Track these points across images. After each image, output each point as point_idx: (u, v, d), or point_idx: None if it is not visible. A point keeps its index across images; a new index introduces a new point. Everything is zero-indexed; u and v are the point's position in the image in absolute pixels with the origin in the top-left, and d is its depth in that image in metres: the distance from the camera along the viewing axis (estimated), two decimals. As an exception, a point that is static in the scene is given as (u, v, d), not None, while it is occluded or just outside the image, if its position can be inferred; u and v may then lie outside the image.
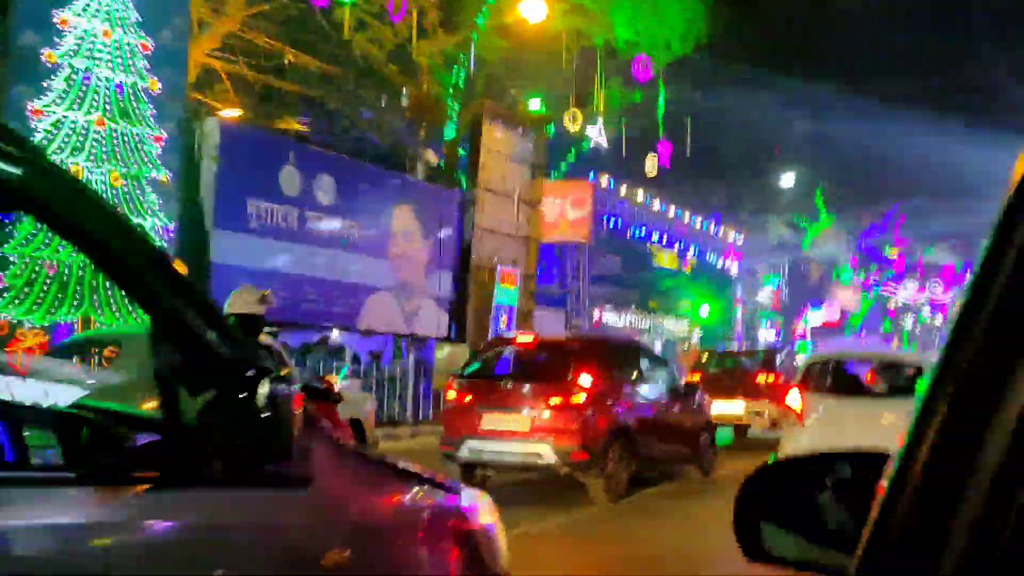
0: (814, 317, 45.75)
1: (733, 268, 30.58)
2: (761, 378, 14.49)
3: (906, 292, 51.65)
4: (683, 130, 21.69)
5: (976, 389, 0.51)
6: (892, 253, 50.54)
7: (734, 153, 28.78)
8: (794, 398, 9.00)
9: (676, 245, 26.26)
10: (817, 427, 8.56)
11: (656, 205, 23.95)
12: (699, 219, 27.40)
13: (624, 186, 22.31)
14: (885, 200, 40.89)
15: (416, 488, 1.93)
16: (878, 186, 40.46)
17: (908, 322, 60.77)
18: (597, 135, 19.72)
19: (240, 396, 1.43)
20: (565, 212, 20.62)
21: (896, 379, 9.61)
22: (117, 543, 1.41)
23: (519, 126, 19.60)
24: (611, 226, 22.35)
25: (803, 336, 44.11)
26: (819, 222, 40.79)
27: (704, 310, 32.82)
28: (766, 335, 38.13)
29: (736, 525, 1.18)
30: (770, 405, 13.47)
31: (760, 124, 27.61)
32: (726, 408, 13.31)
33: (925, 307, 59.47)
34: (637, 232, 23.68)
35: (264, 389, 1.45)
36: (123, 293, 1.86)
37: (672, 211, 25.16)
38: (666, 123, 21.87)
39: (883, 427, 7.96)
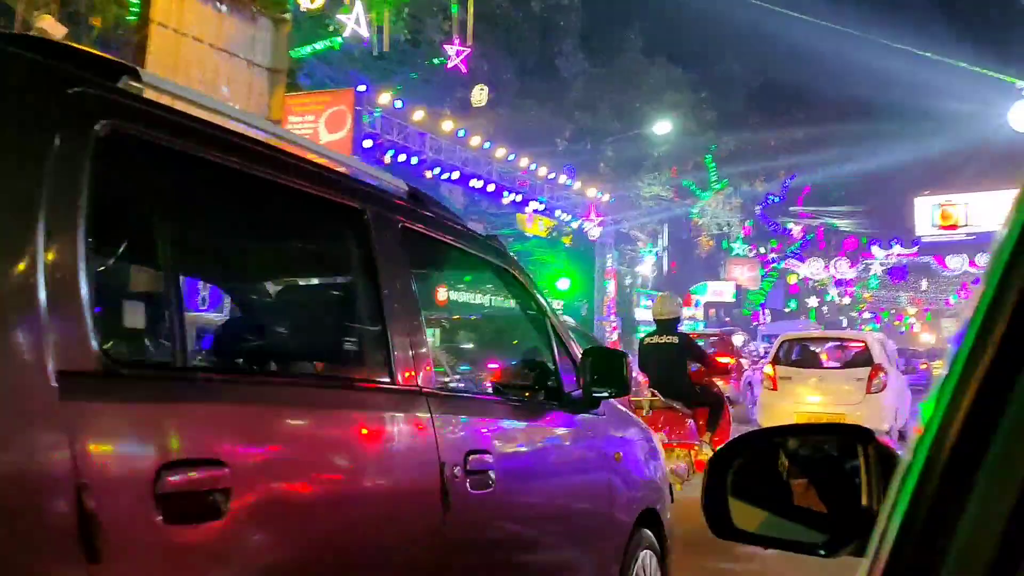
0: (707, 294, 41.06)
1: (593, 231, 25.17)
2: (720, 359, 14.46)
3: (810, 269, 47.00)
4: (518, 39, 16.07)
5: (1001, 380, 0.51)
6: (794, 227, 46.35)
7: (590, 80, 23.33)
8: (769, 370, 11.43)
9: (506, 196, 20.60)
10: (787, 394, 10.93)
11: (477, 141, 18.26)
12: (545, 168, 21.84)
13: (421, 111, 16.49)
14: (782, 161, 36.22)
15: (632, 417, 3.79)
16: (775, 146, 35.77)
17: (813, 301, 57.07)
18: (354, 23, 13.83)
19: (618, 365, 2.93)
20: (318, 135, 14.75)
21: (846, 355, 12.23)
22: (567, 427, 2.96)
23: (243, 9, 13.54)
24: (401, 161, 16.49)
25: (692, 317, 39.32)
26: (710, 186, 35.93)
27: (563, 283, 27.43)
28: (645, 315, 33.05)
29: (704, 502, 1.19)
30: (728, 385, 13.75)
31: (623, 43, 22.15)
32: None
33: (832, 286, 55.82)
34: (446, 174, 17.91)
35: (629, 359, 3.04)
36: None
37: (503, 152, 19.51)
38: (491, 30, 16.35)
39: (838, 393, 10.55)
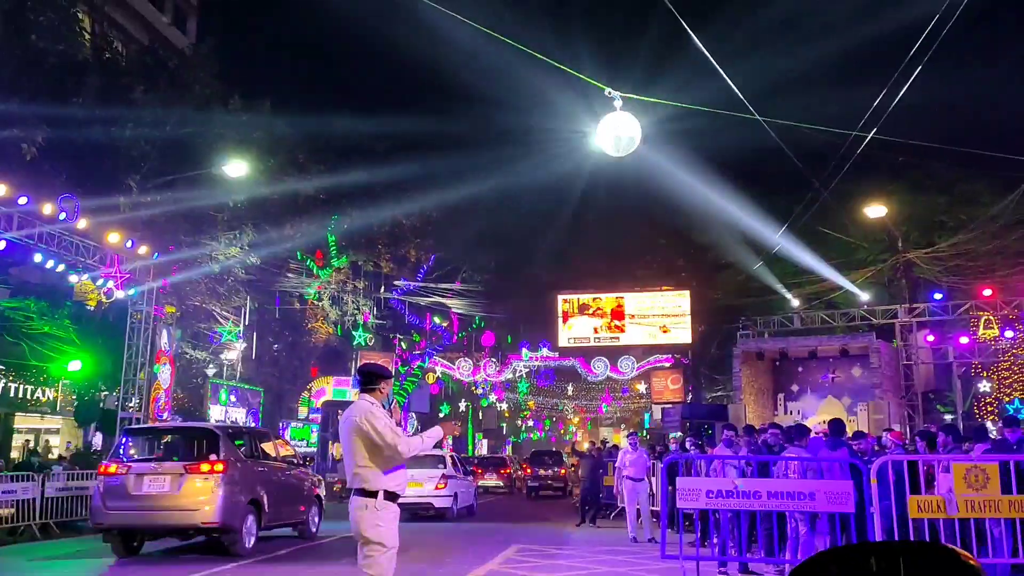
0: (330, 393, 34.84)
1: (116, 293, 18.06)
2: None
3: (459, 370, 42.51)
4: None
5: None
6: (439, 320, 42.33)
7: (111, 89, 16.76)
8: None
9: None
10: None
11: None
12: (5, 187, 14.62)
13: None
14: (413, 240, 31.89)
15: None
16: (405, 224, 31.36)
17: (462, 405, 53.45)
18: None
19: None
20: None
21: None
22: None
23: None
24: None
25: (312, 418, 32.82)
26: (329, 262, 30.43)
27: (74, 365, 19.74)
28: (234, 414, 26.00)
29: None
30: None
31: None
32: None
33: (490, 391, 52.74)
34: None
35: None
36: None
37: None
38: None
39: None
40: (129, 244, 18.33)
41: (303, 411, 31.81)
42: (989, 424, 22.79)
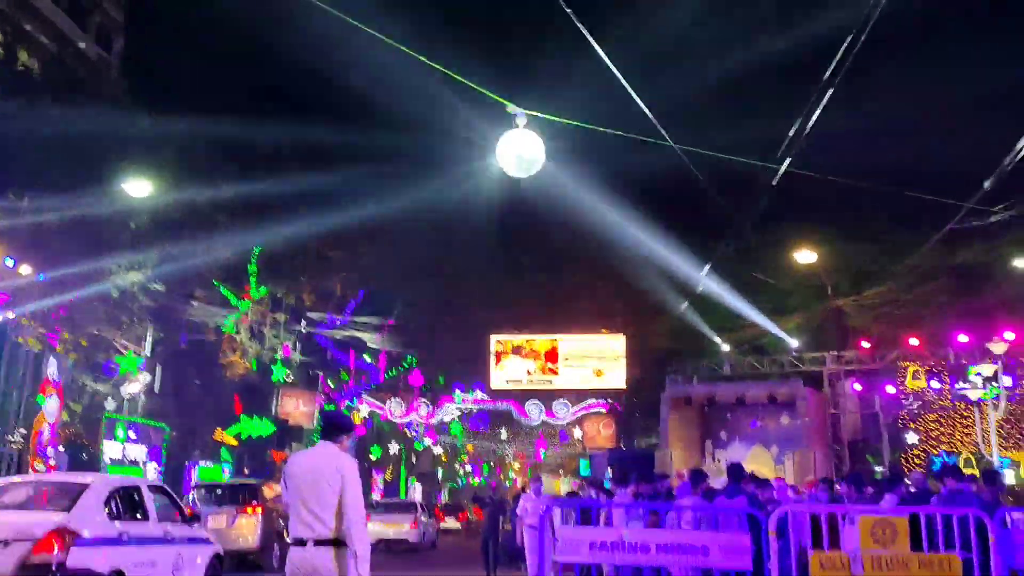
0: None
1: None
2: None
3: (391, 412, 40.89)
4: None
5: None
6: (371, 359, 40.93)
7: None
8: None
9: None
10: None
11: None
12: None
13: None
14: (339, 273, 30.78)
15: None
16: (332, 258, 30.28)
17: (393, 447, 51.70)
18: None
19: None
20: None
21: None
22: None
23: None
24: None
25: (215, 459, 30.99)
26: (252, 293, 29.11)
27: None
28: (132, 451, 24.27)
29: None
30: None
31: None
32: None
33: (423, 434, 51.10)
34: None
35: None
36: None
37: None
38: None
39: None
40: (10, 263, 16.98)
41: (227, 444, 29.99)
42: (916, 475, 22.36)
